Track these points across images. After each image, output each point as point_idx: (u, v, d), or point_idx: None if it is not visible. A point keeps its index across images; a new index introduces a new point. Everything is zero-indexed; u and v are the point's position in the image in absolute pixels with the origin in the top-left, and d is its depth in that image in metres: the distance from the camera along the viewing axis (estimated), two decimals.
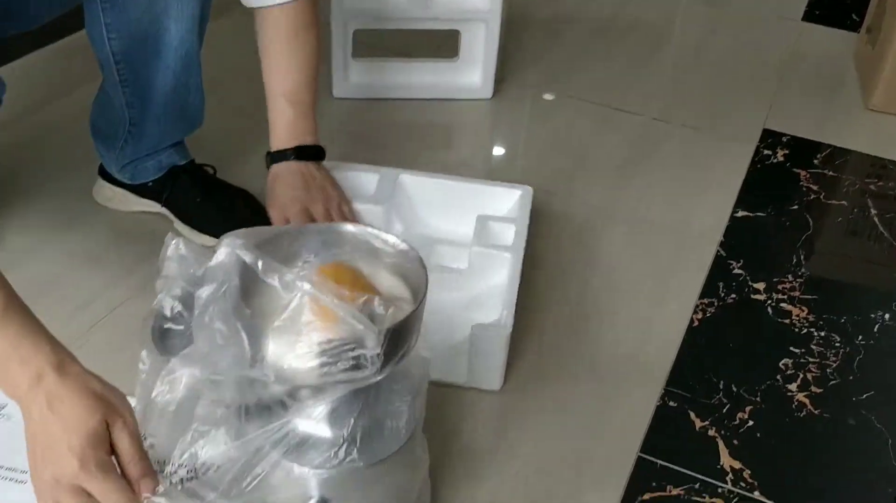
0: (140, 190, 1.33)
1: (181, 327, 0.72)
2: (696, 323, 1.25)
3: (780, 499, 1.02)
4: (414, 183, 1.30)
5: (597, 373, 1.16)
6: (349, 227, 0.79)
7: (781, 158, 1.63)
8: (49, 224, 1.31)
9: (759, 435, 1.09)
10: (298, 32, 1.18)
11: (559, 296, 1.26)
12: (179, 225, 1.31)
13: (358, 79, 1.68)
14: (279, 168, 1.22)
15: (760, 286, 1.32)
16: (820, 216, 1.50)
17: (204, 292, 0.69)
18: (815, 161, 1.63)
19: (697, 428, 1.10)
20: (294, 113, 1.20)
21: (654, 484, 1.02)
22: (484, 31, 1.63)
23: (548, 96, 1.74)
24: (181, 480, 0.71)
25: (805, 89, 1.85)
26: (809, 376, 1.18)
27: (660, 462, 1.05)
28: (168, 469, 0.71)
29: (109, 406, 0.68)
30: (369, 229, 0.80)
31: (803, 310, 1.29)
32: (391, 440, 0.80)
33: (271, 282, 0.70)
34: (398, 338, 0.71)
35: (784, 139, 1.68)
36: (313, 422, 0.75)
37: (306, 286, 0.69)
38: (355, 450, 0.76)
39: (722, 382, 1.16)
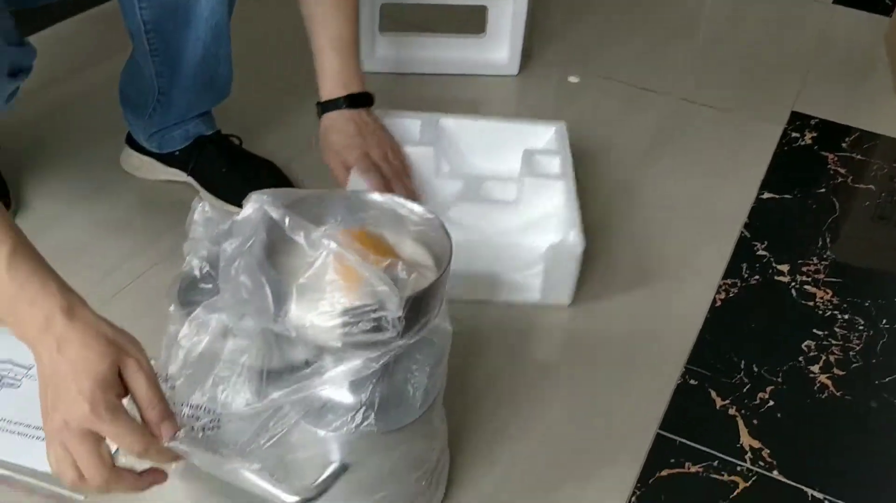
0: (167, 159, 1.34)
1: (209, 286, 0.72)
2: (718, 303, 1.24)
3: (799, 478, 1.02)
4: (454, 125, 1.36)
5: (617, 350, 1.16)
6: (375, 195, 0.80)
7: (809, 141, 1.62)
8: (76, 191, 1.33)
9: (779, 415, 1.09)
10: None
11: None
12: (205, 194, 1.32)
13: (384, 53, 1.68)
14: (332, 117, 1.23)
15: (784, 268, 1.32)
16: (847, 200, 1.48)
17: (230, 245, 0.69)
18: (844, 145, 1.61)
19: (718, 406, 1.10)
20: (341, 61, 1.21)
21: (672, 460, 1.02)
22: (511, 6, 1.62)
23: (573, 79, 1.73)
24: (202, 428, 0.71)
25: (834, 72, 1.83)
26: (832, 358, 1.17)
27: (679, 439, 1.05)
28: (186, 411, 0.71)
29: (121, 349, 0.67)
30: (395, 197, 0.80)
31: (827, 293, 1.28)
32: (409, 408, 0.80)
33: (297, 239, 0.70)
34: (420, 304, 0.71)
35: (812, 122, 1.66)
36: (333, 386, 0.75)
37: (332, 244, 0.69)
38: (372, 415, 0.76)
39: (743, 362, 1.16)
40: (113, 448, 0.69)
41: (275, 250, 0.72)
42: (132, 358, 0.68)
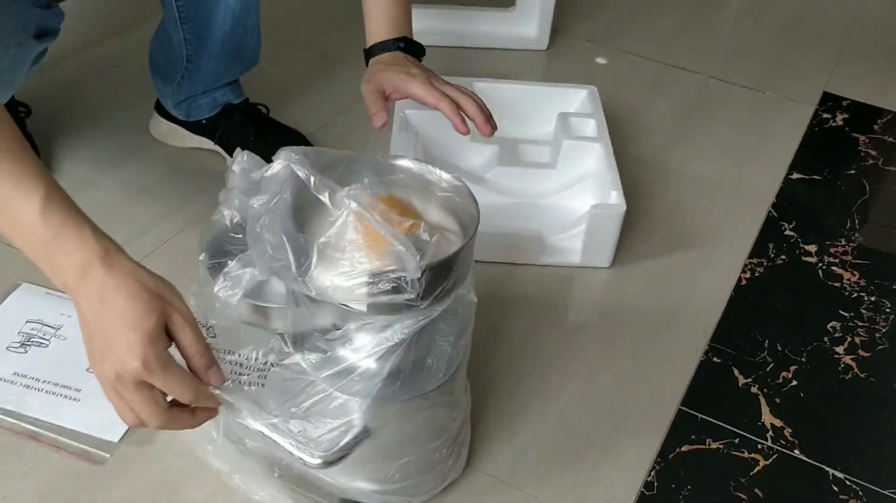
0: (194, 127, 1.34)
1: (240, 235, 0.73)
2: (743, 282, 1.24)
3: (820, 458, 1.01)
4: (488, 89, 1.36)
5: (640, 326, 1.15)
6: (405, 161, 0.79)
7: (840, 122, 1.60)
8: (106, 156, 1.34)
9: (802, 394, 1.09)
10: None
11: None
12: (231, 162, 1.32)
13: (413, 25, 1.66)
14: (383, 57, 1.12)
15: (812, 248, 1.31)
16: (877, 181, 1.47)
17: (257, 202, 0.70)
18: (875, 127, 1.59)
19: (740, 384, 1.09)
20: (396, 6, 1.13)
21: (693, 436, 1.02)
22: None
23: (600, 60, 1.71)
24: (249, 383, 0.72)
25: (868, 54, 1.81)
26: (857, 340, 1.16)
27: (700, 416, 1.05)
28: (228, 359, 0.72)
29: (164, 300, 0.68)
30: (425, 164, 0.80)
31: (854, 275, 1.27)
32: (432, 377, 0.80)
33: (322, 198, 0.70)
34: (442, 269, 0.72)
35: (844, 103, 1.64)
36: (356, 351, 0.76)
37: (354, 204, 0.69)
38: (398, 383, 0.77)
39: (767, 341, 1.15)
40: None
41: (301, 208, 0.72)
42: (176, 310, 0.68)
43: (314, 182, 0.70)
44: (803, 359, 1.13)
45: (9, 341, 1.03)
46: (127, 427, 0.95)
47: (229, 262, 0.72)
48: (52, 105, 1.41)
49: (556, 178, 1.29)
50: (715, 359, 1.12)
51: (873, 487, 0.99)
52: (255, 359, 0.75)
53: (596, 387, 1.07)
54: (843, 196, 1.42)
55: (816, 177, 1.46)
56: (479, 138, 1.33)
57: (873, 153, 1.52)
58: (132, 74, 1.44)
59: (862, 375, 1.12)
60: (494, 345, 1.09)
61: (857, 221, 1.37)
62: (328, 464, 0.76)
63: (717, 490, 0.97)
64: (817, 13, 1.93)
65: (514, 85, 1.41)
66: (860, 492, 0.98)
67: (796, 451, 1.02)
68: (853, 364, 1.13)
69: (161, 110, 1.36)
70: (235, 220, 0.73)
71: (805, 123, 1.58)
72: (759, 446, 1.02)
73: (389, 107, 1.10)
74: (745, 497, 0.97)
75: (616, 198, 1.18)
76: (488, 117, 1.08)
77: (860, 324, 1.19)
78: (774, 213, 1.37)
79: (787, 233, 1.33)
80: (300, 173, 0.70)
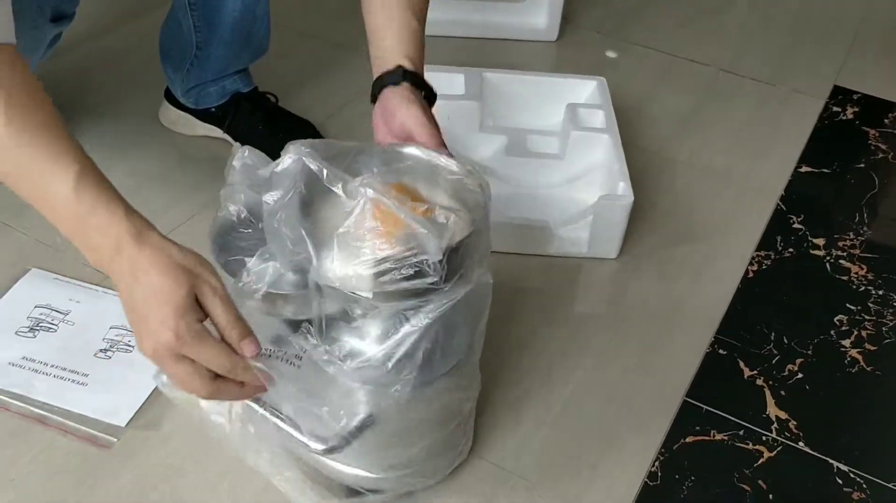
0: (203, 115, 1.35)
1: (248, 230, 0.73)
2: (750, 274, 1.24)
3: (825, 451, 1.01)
4: (497, 80, 1.37)
5: (647, 317, 1.16)
6: (412, 148, 0.80)
7: (850, 116, 1.59)
8: (115, 143, 1.34)
9: (807, 387, 1.09)
10: None
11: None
12: None
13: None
14: (400, 91, 0.88)
15: (820, 242, 1.30)
16: (887, 175, 1.46)
17: (271, 197, 0.70)
18: (886, 121, 1.59)
19: (746, 376, 1.09)
20: (420, 29, 0.95)
21: (697, 427, 1.02)
22: None
23: (611, 54, 1.71)
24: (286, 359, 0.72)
25: (879, 48, 1.80)
26: (864, 333, 1.16)
27: (705, 407, 1.05)
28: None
29: (194, 274, 0.68)
30: (432, 151, 0.80)
31: (862, 269, 1.26)
32: (443, 362, 0.80)
33: (335, 190, 0.70)
34: (460, 250, 0.72)
35: (855, 97, 1.64)
36: (366, 339, 0.76)
37: (369, 192, 0.69)
38: (410, 370, 0.76)
39: (773, 334, 1.15)
40: None
41: (313, 201, 0.72)
42: (206, 283, 0.69)
43: (327, 174, 0.70)
44: (809, 352, 1.13)
45: (18, 326, 1.04)
46: (134, 412, 0.96)
47: (245, 259, 0.72)
48: (62, 91, 1.41)
49: (564, 168, 1.29)
50: (721, 350, 1.12)
51: (877, 480, 0.99)
52: (285, 352, 0.75)
53: (601, 377, 1.07)
54: (852, 189, 1.42)
55: (826, 170, 1.45)
56: (487, 128, 1.34)
57: (883, 147, 1.52)
58: (142, 61, 1.44)
59: (868, 369, 1.12)
60: (500, 335, 1.09)
61: (865, 215, 1.36)
62: (332, 450, 0.76)
63: (721, 481, 0.97)
64: (828, 5, 1.92)
65: (523, 75, 1.41)
66: (864, 485, 0.98)
67: (801, 444, 1.02)
68: (859, 357, 1.13)
69: (170, 98, 1.37)
70: (243, 216, 0.73)
71: (815, 116, 1.57)
72: (764, 438, 1.02)
73: None
74: (748, 488, 0.97)
75: (624, 189, 1.18)
76: None
77: (867, 317, 1.19)
78: (783, 206, 1.36)
79: (796, 226, 1.33)
80: (312, 166, 0.71)
